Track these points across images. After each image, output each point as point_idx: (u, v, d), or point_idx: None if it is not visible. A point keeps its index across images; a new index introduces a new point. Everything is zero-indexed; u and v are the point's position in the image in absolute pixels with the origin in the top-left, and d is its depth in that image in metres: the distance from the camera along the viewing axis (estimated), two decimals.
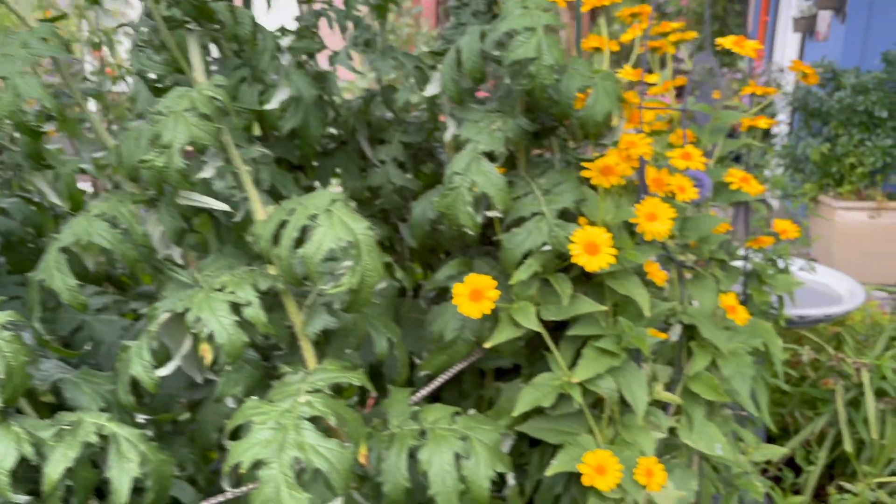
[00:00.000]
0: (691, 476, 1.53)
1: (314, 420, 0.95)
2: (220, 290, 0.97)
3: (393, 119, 1.48)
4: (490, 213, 1.14)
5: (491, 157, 1.11)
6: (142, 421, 1.02)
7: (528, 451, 1.56)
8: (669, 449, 1.63)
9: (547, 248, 1.19)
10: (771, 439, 2.40)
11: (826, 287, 2.45)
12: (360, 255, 0.91)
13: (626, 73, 1.43)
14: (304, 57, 1.43)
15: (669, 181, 1.35)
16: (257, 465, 0.91)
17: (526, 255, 1.20)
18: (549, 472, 1.31)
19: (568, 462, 1.31)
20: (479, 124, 1.13)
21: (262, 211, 1.01)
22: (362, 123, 1.47)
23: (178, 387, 1.13)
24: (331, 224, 0.91)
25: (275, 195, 1.42)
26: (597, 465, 1.26)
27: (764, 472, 2.26)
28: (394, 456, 1.07)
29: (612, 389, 1.31)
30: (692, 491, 1.51)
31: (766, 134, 5.47)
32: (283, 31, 1.41)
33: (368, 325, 1.14)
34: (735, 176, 1.48)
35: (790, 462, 2.26)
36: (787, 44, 7.26)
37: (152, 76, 1.01)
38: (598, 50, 1.53)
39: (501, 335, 1.23)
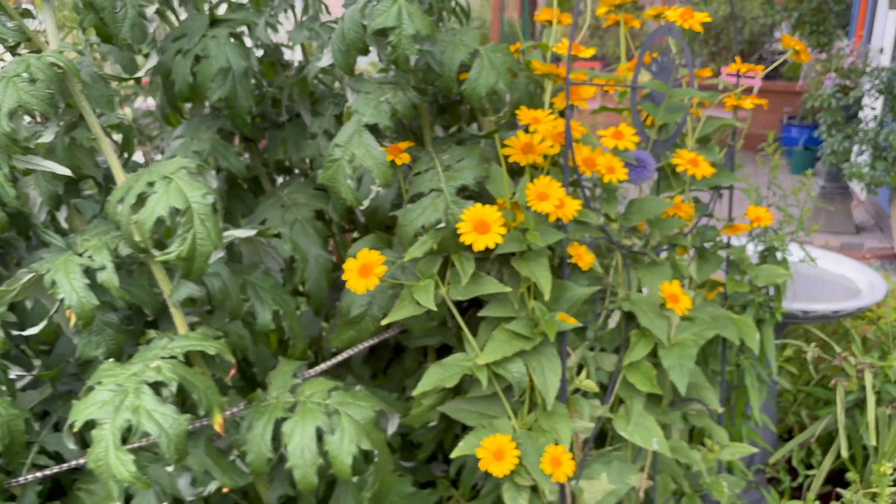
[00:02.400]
0: (630, 470, 1.48)
1: (158, 385, 0.96)
2: (81, 254, 1.00)
3: (327, 92, 1.47)
4: (375, 188, 1.12)
5: (375, 129, 1.09)
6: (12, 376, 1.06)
7: (461, 433, 1.55)
8: (618, 440, 1.58)
9: (442, 225, 1.16)
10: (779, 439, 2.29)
11: (845, 280, 2.30)
12: (192, 223, 0.91)
13: (560, 47, 1.38)
14: (244, 28, 1.43)
15: (597, 161, 1.29)
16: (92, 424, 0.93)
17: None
18: (452, 454, 1.29)
19: (473, 445, 1.28)
20: (370, 96, 1.11)
21: (121, 176, 1.03)
22: (303, 96, 1.47)
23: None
24: (166, 191, 0.91)
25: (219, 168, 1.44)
26: (496, 449, 1.23)
27: (764, 475, 2.15)
28: (260, 427, 1.08)
29: (521, 374, 1.28)
30: (627, 485, 1.46)
31: (851, 119, 5.14)
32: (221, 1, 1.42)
33: (254, 296, 1.15)
34: (683, 158, 1.41)
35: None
36: (889, 23, 6.80)
37: (10, 43, 1.04)
38: (549, 23, 1.48)
39: (400, 312, 1.21)
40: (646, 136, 1.48)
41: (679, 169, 1.42)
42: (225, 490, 1.14)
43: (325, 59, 1.16)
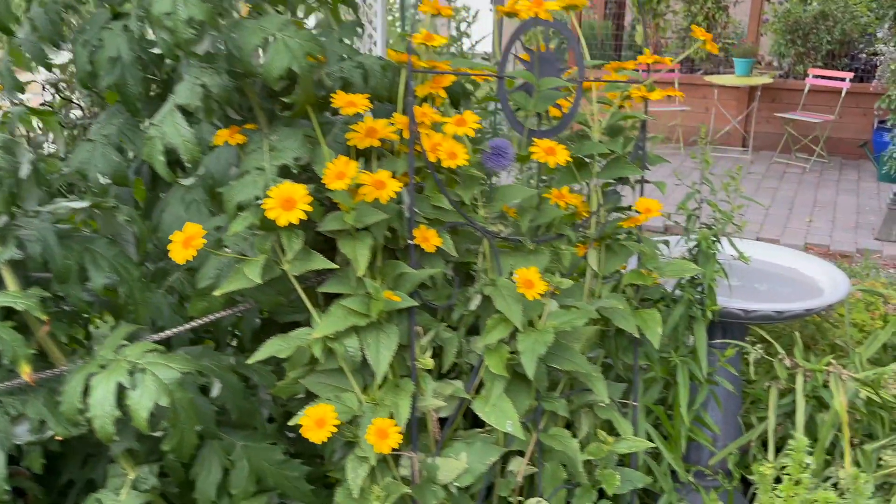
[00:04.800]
0: (492, 452, 1.51)
1: None
2: None
3: None
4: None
5: (186, 110, 1.17)
6: None
7: None
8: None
9: (260, 202, 1.23)
10: None
11: (806, 279, 2.22)
12: None
13: (416, 37, 1.42)
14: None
15: (440, 146, 1.34)
16: None
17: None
18: (290, 421, 1.36)
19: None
20: (188, 79, 1.20)
21: None
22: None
23: None
24: None
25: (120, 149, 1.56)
26: (318, 418, 1.29)
27: (704, 476, 2.11)
28: (74, 381, 1.18)
29: (355, 349, 1.33)
30: (486, 465, 1.49)
31: None
32: None
33: (91, 262, 1.25)
34: (540, 147, 1.42)
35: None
36: None
37: None
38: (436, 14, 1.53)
39: (230, 285, 1.29)
40: (520, 125, 1.51)
41: (534, 157, 1.43)
42: (58, 438, 1.25)
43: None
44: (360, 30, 1.54)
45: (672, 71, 7.78)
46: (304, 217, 1.19)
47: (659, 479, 2.01)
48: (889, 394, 1.81)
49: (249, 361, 1.33)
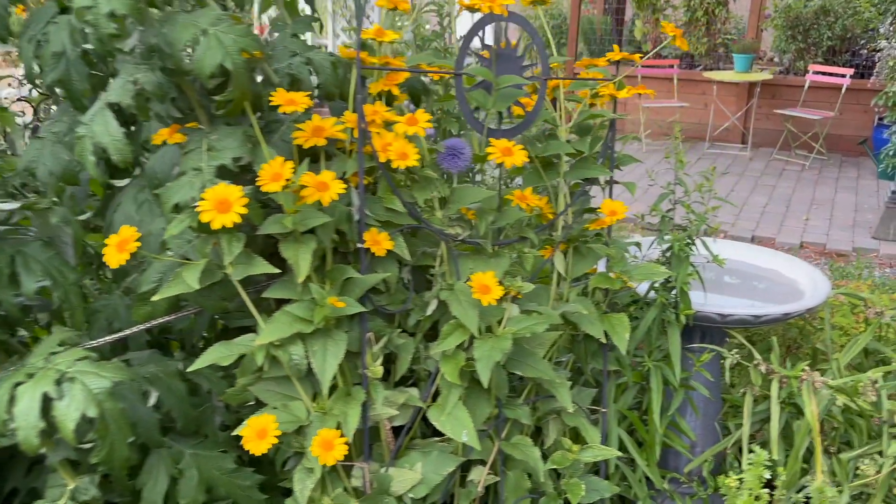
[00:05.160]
0: (449, 462, 1.46)
1: None
2: None
3: None
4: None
5: (118, 109, 1.12)
6: None
7: None
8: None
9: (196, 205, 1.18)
10: None
11: (788, 281, 2.16)
12: None
13: (368, 33, 1.37)
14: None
15: (390, 147, 1.29)
16: None
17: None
18: (234, 432, 1.31)
19: None
20: (122, 76, 1.15)
21: None
22: None
23: None
24: None
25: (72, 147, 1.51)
26: (259, 429, 1.24)
27: (680, 483, 2.05)
28: (1, 389, 1.13)
29: (300, 357, 1.28)
30: (441, 476, 1.44)
31: None
32: None
33: (22, 266, 1.21)
34: (497, 147, 1.37)
35: None
36: None
37: None
38: (394, 9, 1.48)
39: (170, 290, 1.24)
40: (479, 124, 1.45)
41: (490, 158, 1.38)
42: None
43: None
44: (334, 24, 1.49)
45: (671, 67, 7.72)
46: (238, 220, 1.14)
47: (633, 487, 1.96)
48: (866, 401, 1.75)
49: (191, 368, 1.28)
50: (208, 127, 1.25)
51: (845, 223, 5.63)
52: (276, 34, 1.42)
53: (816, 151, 7.23)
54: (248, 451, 1.31)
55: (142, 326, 1.34)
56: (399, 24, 1.66)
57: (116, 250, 1.18)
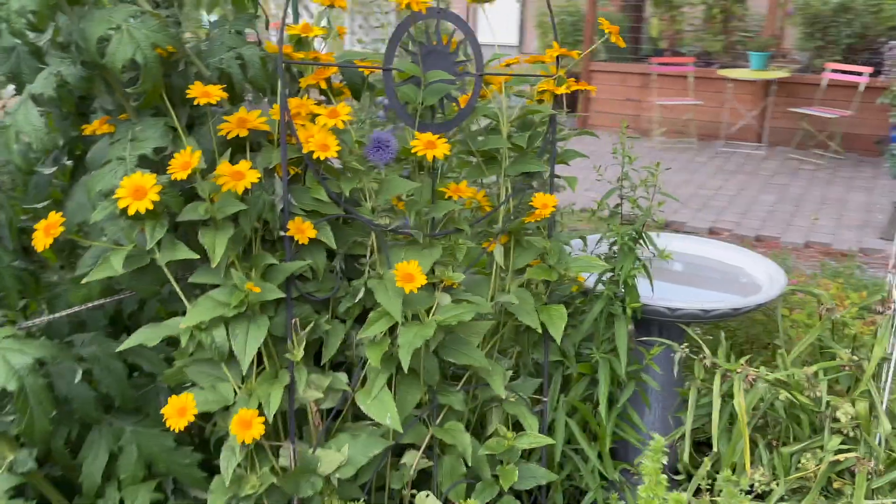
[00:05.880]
0: (376, 444, 1.51)
1: None
2: None
3: None
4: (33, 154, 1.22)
5: (38, 99, 1.19)
6: None
7: None
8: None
9: None
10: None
11: (749, 277, 2.18)
12: None
13: (294, 28, 1.42)
14: None
15: (310, 137, 1.34)
16: None
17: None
18: (163, 409, 1.37)
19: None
20: (48, 69, 1.21)
21: None
22: None
23: None
24: None
25: None
26: (180, 407, 1.30)
27: (631, 474, 2.08)
28: None
29: (222, 339, 1.34)
30: (367, 457, 1.49)
31: None
32: None
33: None
34: (420, 140, 1.41)
35: None
36: None
37: None
38: (331, 6, 1.53)
39: (98, 273, 1.31)
40: (410, 118, 1.50)
41: (413, 151, 1.42)
42: None
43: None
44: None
45: (686, 65, 7.68)
46: (150, 207, 1.20)
47: (585, 477, 1.99)
48: (805, 397, 1.77)
49: (120, 348, 1.34)
50: (136, 118, 1.31)
51: (854, 223, 5.57)
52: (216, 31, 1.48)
53: (833, 150, 7.16)
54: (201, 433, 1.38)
55: (73, 310, 1.40)
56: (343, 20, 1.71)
57: (43, 234, 1.24)
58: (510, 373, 1.73)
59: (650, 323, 2.06)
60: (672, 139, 7.81)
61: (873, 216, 5.72)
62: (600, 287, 1.91)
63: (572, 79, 1.73)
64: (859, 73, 6.99)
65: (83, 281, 1.31)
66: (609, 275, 1.90)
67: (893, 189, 6.37)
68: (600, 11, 8.44)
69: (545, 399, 1.82)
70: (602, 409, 1.91)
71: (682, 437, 1.99)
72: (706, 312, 1.94)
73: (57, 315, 1.39)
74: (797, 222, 5.60)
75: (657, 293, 1.94)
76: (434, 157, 1.44)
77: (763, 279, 2.13)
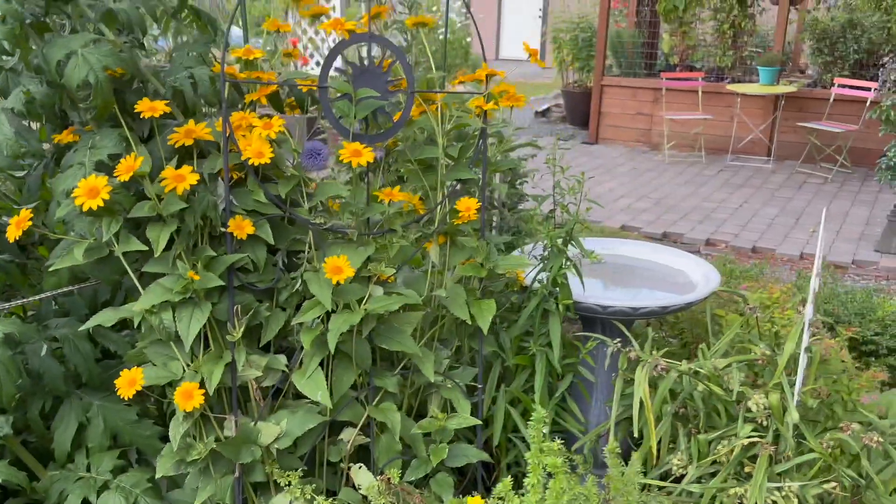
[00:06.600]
0: (311, 420, 1.69)
1: None
2: None
3: None
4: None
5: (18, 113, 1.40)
6: None
7: None
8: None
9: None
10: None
11: (688, 279, 2.33)
12: None
13: (238, 51, 1.62)
14: None
15: (248, 146, 1.54)
16: None
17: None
18: (116, 381, 1.57)
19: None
20: (19, 87, 1.43)
21: None
22: None
23: None
24: None
25: None
26: (130, 379, 1.50)
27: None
28: None
29: (169, 321, 1.54)
30: (302, 430, 1.67)
31: None
32: None
33: None
34: (347, 149, 1.60)
35: None
36: None
37: None
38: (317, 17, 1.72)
39: (63, 263, 1.51)
40: (345, 130, 1.69)
41: (340, 159, 1.61)
42: None
43: None
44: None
45: (696, 80, 7.81)
46: (102, 204, 1.40)
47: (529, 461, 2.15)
48: (720, 388, 1.92)
49: (82, 328, 1.54)
50: (97, 129, 1.51)
51: (852, 236, 5.65)
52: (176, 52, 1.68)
53: (840, 165, 7.23)
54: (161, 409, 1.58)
55: (44, 295, 1.61)
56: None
57: (15, 227, 1.45)
58: (447, 361, 1.91)
59: (594, 321, 2.22)
60: (682, 153, 7.93)
61: (872, 229, 5.80)
62: (536, 285, 2.08)
63: (509, 93, 1.91)
64: (867, 89, 7.06)
65: (51, 269, 1.52)
66: (546, 274, 2.07)
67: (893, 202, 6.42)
68: (615, 28, 8.62)
69: (480, 385, 1.99)
70: (537, 396, 2.07)
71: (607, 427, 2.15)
72: (635, 310, 2.10)
73: (28, 300, 1.60)
74: (795, 235, 5.69)
75: (609, 294, 2.11)
76: (368, 162, 1.64)
77: (700, 280, 2.28)
